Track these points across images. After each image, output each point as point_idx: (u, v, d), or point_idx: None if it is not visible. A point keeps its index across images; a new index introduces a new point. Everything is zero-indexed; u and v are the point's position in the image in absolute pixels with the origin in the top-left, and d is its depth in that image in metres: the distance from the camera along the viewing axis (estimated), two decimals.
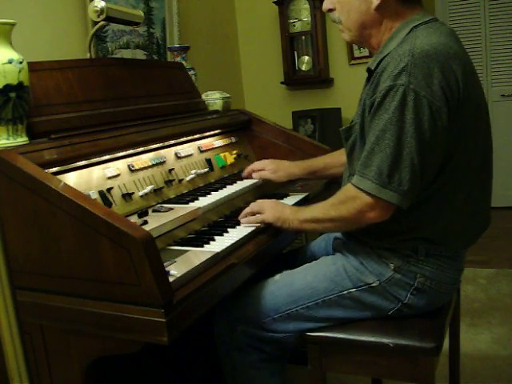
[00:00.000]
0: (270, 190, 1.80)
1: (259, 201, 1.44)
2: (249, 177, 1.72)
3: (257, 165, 1.73)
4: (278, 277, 1.39)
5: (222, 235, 1.32)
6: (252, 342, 1.35)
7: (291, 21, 3.80)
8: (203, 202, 1.43)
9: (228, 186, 1.61)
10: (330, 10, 1.36)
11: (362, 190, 1.18)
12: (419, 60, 1.14)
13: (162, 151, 1.57)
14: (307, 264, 1.40)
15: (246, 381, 1.38)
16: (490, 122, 1.32)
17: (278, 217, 1.36)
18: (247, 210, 1.42)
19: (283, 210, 1.37)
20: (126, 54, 2.67)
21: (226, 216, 1.52)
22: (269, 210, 1.38)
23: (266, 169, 1.70)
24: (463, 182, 1.24)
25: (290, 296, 1.33)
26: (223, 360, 1.42)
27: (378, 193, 1.16)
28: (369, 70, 1.29)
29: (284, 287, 1.35)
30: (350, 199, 1.21)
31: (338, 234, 1.48)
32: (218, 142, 1.86)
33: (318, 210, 1.30)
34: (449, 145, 1.18)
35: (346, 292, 1.30)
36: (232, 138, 1.95)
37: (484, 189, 1.32)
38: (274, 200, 1.46)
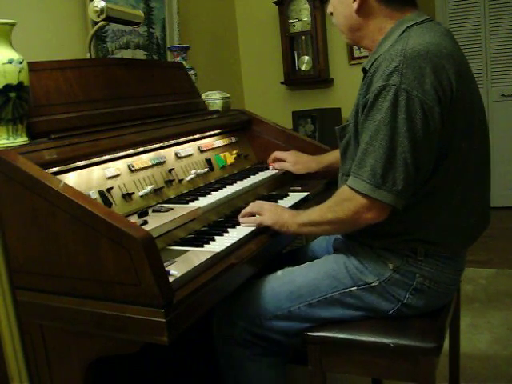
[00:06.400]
0: (269, 190, 1.81)
1: (259, 202, 1.44)
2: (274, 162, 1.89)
3: (279, 154, 1.88)
4: (279, 273, 1.39)
5: (221, 235, 1.32)
6: (251, 339, 1.36)
7: (291, 21, 3.80)
8: (203, 201, 1.43)
9: (228, 186, 1.61)
10: (332, 14, 1.40)
11: (356, 191, 1.19)
12: (411, 60, 1.14)
13: (161, 151, 1.57)
14: (309, 262, 1.40)
15: (242, 372, 1.38)
16: (486, 121, 1.32)
17: (276, 220, 1.36)
18: (247, 209, 1.42)
19: (282, 213, 1.37)
20: (126, 53, 2.67)
21: (226, 216, 1.51)
22: (268, 212, 1.38)
23: (287, 160, 1.85)
24: (459, 181, 1.24)
25: (291, 293, 1.33)
26: (219, 351, 1.42)
27: (372, 193, 1.16)
28: (364, 70, 1.30)
29: (286, 284, 1.35)
30: (346, 201, 1.21)
31: (338, 235, 1.48)
32: (218, 142, 1.86)
33: (316, 213, 1.30)
34: (442, 144, 1.19)
35: (347, 290, 1.30)
36: (232, 137, 1.95)
37: (482, 188, 1.32)
38: (273, 203, 1.47)
